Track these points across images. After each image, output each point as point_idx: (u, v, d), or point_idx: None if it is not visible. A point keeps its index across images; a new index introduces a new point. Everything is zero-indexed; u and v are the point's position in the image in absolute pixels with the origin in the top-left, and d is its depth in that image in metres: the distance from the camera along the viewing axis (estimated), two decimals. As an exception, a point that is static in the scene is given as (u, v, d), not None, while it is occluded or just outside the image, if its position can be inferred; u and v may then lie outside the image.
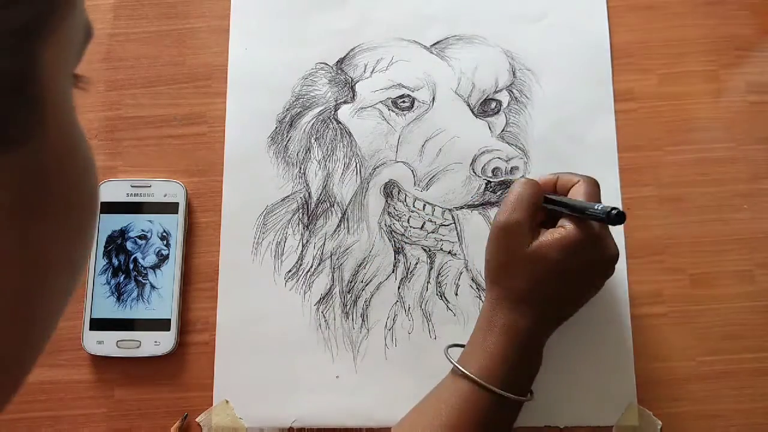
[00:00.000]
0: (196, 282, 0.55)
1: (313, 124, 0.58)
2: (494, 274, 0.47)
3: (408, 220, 0.56)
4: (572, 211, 0.45)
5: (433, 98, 0.58)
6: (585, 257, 0.45)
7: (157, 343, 0.53)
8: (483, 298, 0.54)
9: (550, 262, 0.44)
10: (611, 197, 0.56)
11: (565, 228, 0.45)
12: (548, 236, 0.45)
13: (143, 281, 0.54)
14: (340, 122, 0.58)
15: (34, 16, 0.20)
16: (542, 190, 0.48)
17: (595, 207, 0.43)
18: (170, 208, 0.56)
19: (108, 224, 0.55)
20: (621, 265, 0.54)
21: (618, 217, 0.41)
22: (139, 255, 0.55)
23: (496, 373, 0.45)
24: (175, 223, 0.55)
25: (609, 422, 0.52)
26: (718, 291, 0.54)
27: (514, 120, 0.58)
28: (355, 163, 0.57)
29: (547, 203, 0.48)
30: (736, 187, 0.56)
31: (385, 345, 0.54)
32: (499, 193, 0.56)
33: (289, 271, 0.55)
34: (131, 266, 0.55)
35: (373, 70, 0.58)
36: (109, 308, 0.54)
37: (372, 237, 0.56)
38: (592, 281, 0.48)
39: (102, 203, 0.56)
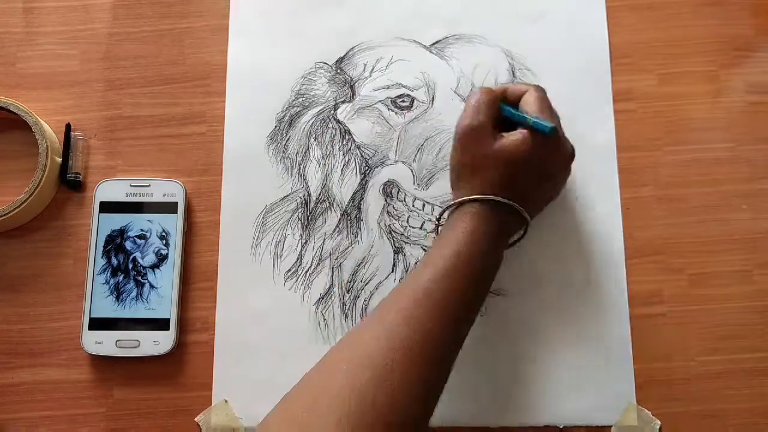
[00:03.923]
0: (196, 281, 0.55)
1: (312, 124, 0.58)
2: (460, 174, 0.49)
3: (407, 219, 0.56)
4: (517, 121, 0.49)
5: (433, 98, 0.58)
6: (545, 155, 0.48)
7: (156, 343, 0.53)
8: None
9: (515, 160, 0.47)
10: (610, 197, 0.56)
11: (524, 131, 0.48)
12: (511, 137, 0.48)
13: (142, 281, 0.54)
14: (339, 122, 0.58)
15: None
16: (497, 96, 0.50)
17: (528, 120, 0.48)
18: (169, 207, 0.56)
19: (107, 224, 0.55)
20: (620, 265, 0.55)
21: (552, 131, 0.46)
22: (138, 254, 0.55)
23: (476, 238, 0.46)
24: (174, 223, 0.55)
25: (608, 422, 0.52)
26: (717, 291, 0.54)
27: (514, 120, 0.58)
28: (354, 163, 0.57)
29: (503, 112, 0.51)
30: (735, 187, 0.56)
31: (385, 345, 0.54)
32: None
33: (289, 270, 0.55)
34: (130, 266, 0.55)
35: (372, 69, 0.58)
36: (108, 308, 0.54)
37: (371, 236, 0.56)
38: (553, 178, 0.51)
39: (101, 203, 0.56)
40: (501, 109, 0.50)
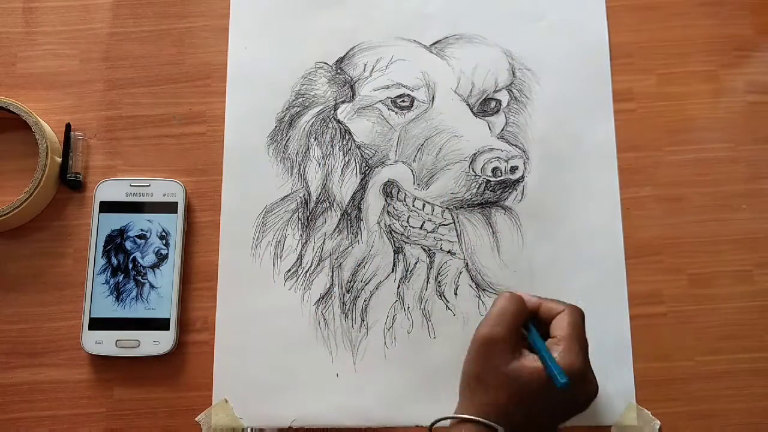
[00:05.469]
0: (196, 281, 0.55)
1: (312, 124, 0.58)
2: (470, 385, 0.45)
3: (407, 219, 0.56)
4: (539, 356, 0.44)
5: (433, 97, 0.58)
6: (562, 395, 0.43)
7: (156, 343, 0.53)
8: (482, 298, 0.54)
9: (529, 387, 0.43)
10: (610, 198, 0.56)
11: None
12: (532, 361, 0.44)
13: (142, 281, 0.54)
14: (339, 122, 0.58)
15: None
16: (527, 308, 0.47)
17: (552, 370, 0.43)
18: (169, 207, 0.56)
19: (107, 224, 0.55)
20: (620, 265, 0.55)
21: (560, 386, 0.42)
22: (138, 254, 0.55)
23: None
24: (174, 223, 0.55)
25: (608, 422, 0.52)
26: (717, 291, 0.54)
27: (514, 119, 0.58)
28: (354, 163, 0.57)
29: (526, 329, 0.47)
30: (735, 187, 0.56)
31: (385, 344, 0.54)
32: (498, 192, 0.56)
33: (289, 270, 0.55)
34: (130, 266, 0.55)
35: (372, 69, 0.58)
36: (108, 308, 0.54)
37: (371, 236, 0.56)
38: (565, 413, 0.46)
39: (101, 203, 0.56)
40: (526, 328, 0.46)
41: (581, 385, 0.44)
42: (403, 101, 0.58)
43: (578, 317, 0.46)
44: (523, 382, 0.43)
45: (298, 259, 0.55)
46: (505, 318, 0.45)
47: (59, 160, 0.56)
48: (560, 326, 0.45)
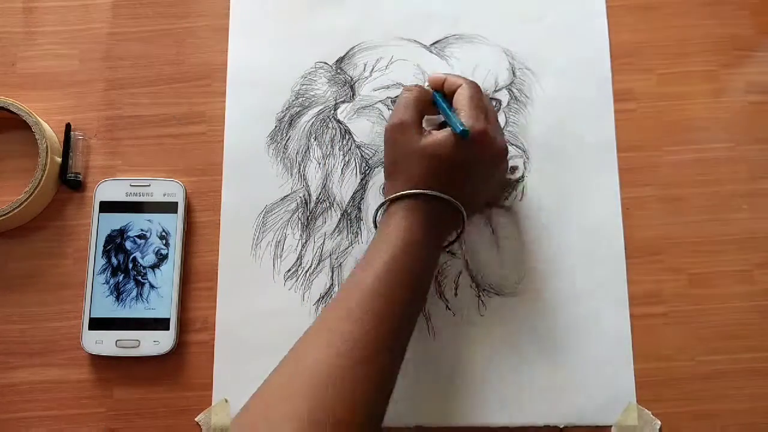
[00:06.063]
0: (196, 281, 0.55)
1: (312, 124, 0.58)
2: (390, 171, 0.50)
3: (407, 219, 0.56)
4: (441, 113, 0.49)
5: (433, 98, 0.58)
6: (470, 154, 0.48)
7: (156, 343, 0.53)
8: (482, 298, 0.54)
9: (440, 157, 0.47)
10: (610, 197, 0.56)
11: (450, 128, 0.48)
12: (439, 135, 0.48)
13: (142, 281, 0.54)
14: (339, 121, 0.58)
15: None
16: (428, 93, 0.51)
17: (453, 121, 0.47)
18: (169, 207, 0.56)
19: (107, 223, 0.55)
20: (620, 265, 0.55)
21: (462, 133, 0.46)
22: (138, 254, 0.55)
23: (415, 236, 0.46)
24: (174, 223, 0.55)
25: (608, 422, 0.52)
26: (717, 291, 0.54)
27: (514, 119, 0.58)
28: (354, 163, 0.57)
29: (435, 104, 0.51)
30: (736, 187, 0.56)
31: (385, 344, 0.54)
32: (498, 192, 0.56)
33: (289, 270, 0.55)
34: (130, 266, 0.55)
35: (372, 69, 0.58)
36: (108, 307, 0.54)
37: (371, 236, 0.56)
38: (484, 177, 0.50)
39: (101, 202, 0.56)
40: (435, 102, 0.50)
41: (487, 144, 0.48)
42: (403, 101, 0.57)
43: (474, 90, 0.50)
44: (434, 152, 0.47)
45: (298, 259, 0.55)
46: (409, 105, 0.49)
47: (59, 160, 0.56)
48: (458, 99, 0.49)
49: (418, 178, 0.47)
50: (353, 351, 0.42)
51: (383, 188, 0.55)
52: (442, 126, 0.50)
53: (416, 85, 0.51)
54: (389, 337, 0.44)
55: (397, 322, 0.44)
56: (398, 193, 0.47)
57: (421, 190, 0.47)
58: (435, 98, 0.51)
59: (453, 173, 0.47)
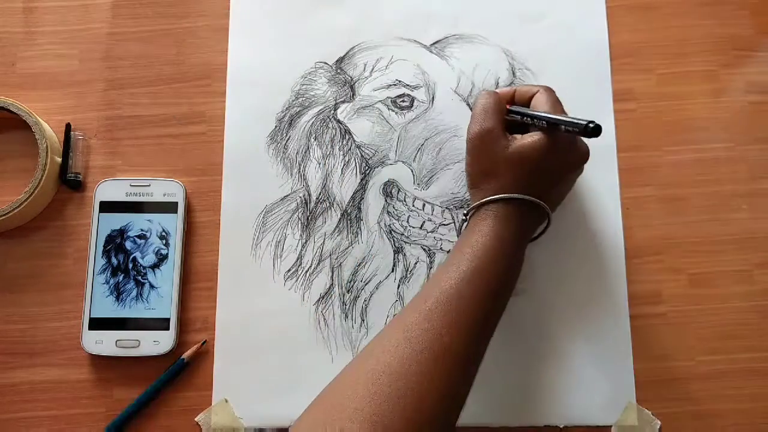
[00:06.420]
0: (196, 281, 0.55)
1: (312, 124, 0.58)
2: (477, 180, 0.49)
3: (407, 219, 0.56)
4: (548, 122, 0.47)
5: (433, 97, 0.58)
6: (561, 158, 0.48)
7: (156, 343, 0.53)
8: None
9: (531, 162, 0.47)
10: (610, 197, 0.56)
11: (541, 132, 0.47)
12: (527, 139, 0.47)
13: (142, 281, 0.54)
14: (339, 121, 0.58)
15: None
16: (504, 98, 0.51)
17: (572, 120, 0.44)
18: (169, 207, 0.56)
19: (107, 223, 0.55)
20: (620, 265, 0.55)
21: (594, 131, 0.43)
22: (138, 254, 0.55)
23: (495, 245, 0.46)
24: (174, 223, 0.55)
25: (608, 422, 0.52)
26: (717, 291, 0.54)
27: (514, 120, 0.58)
28: (354, 163, 0.57)
29: (514, 114, 0.50)
30: (735, 187, 0.56)
31: (385, 344, 0.54)
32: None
33: (289, 270, 0.55)
34: (130, 266, 0.55)
35: (372, 69, 0.58)
36: (108, 308, 0.54)
37: (371, 236, 0.56)
38: (567, 178, 0.50)
39: (101, 202, 0.56)
40: (509, 112, 0.50)
41: (576, 147, 0.49)
42: (403, 101, 0.58)
43: (553, 93, 0.50)
44: (526, 158, 0.47)
45: (298, 259, 0.55)
46: (488, 110, 0.49)
47: (59, 160, 0.56)
48: (541, 102, 0.49)
49: (511, 183, 0.47)
50: (432, 353, 0.41)
51: (388, 190, 0.55)
52: (520, 130, 0.49)
53: (489, 91, 0.51)
54: (465, 343, 0.43)
55: (478, 328, 0.44)
56: (488, 198, 0.47)
57: (515, 195, 0.46)
58: (515, 110, 0.50)
59: (543, 176, 0.47)
